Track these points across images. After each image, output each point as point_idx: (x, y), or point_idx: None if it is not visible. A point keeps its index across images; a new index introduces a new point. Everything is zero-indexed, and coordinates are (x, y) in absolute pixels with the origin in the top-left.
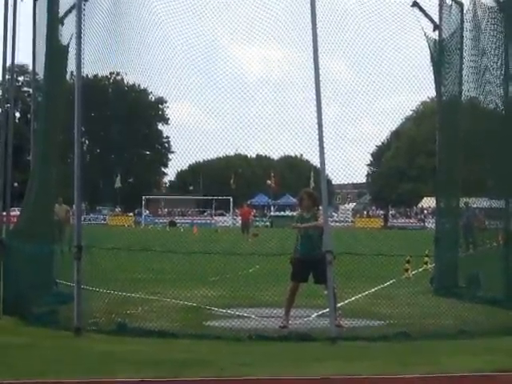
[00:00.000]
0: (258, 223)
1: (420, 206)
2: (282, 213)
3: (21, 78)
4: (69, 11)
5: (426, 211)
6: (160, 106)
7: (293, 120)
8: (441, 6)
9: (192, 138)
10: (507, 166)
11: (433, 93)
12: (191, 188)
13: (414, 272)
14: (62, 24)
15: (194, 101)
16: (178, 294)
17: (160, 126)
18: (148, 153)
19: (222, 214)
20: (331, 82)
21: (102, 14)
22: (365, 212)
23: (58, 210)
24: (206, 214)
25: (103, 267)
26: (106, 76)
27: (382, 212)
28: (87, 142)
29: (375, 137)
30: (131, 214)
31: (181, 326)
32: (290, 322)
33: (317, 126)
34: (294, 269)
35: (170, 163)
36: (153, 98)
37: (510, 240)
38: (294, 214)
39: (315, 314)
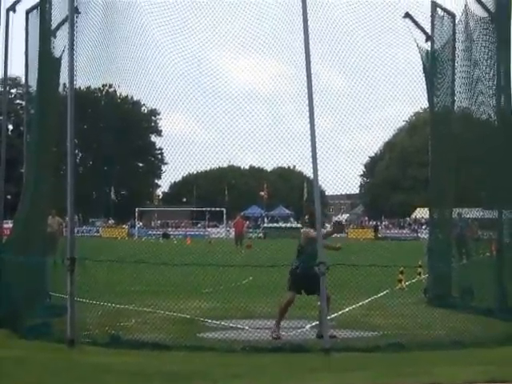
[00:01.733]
0: (251, 235)
1: (413, 216)
2: (276, 224)
3: (14, 91)
4: (61, 23)
5: (419, 222)
6: (153, 117)
7: (286, 131)
8: (433, 16)
9: (185, 150)
10: (500, 177)
11: (425, 103)
12: (184, 200)
13: (407, 283)
14: (55, 36)
15: (187, 113)
16: (171, 306)
17: (153, 138)
18: (141, 165)
19: (215, 226)
20: (324, 94)
21: (95, 27)
22: (356, 223)
23: (51, 222)
24: (199, 225)
25: (96, 279)
26: (99, 88)
27: (374, 223)
28: (80, 154)
29: (368, 148)
30: (124, 226)
31: (174, 338)
32: (283, 333)
33: (310, 138)
34: (295, 281)
35: (163, 175)
36: (145, 110)
37: (503, 250)
38: (287, 225)
39: (309, 325)
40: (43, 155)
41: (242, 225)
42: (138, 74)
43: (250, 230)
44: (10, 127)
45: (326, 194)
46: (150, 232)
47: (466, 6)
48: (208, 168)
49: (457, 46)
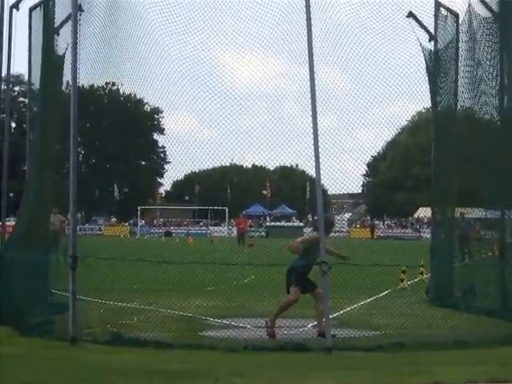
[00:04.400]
0: (253, 233)
1: (416, 216)
2: (278, 223)
3: (16, 88)
4: (65, 21)
5: (421, 221)
6: (156, 116)
7: (288, 130)
8: (436, 16)
9: (188, 148)
10: (502, 177)
11: (428, 103)
12: (187, 198)
13: (409, 282)
14: (58, 34)
15: (190, 111)
16: (173, 304)
17: (156, 136)
18: (144, 163)
19: (217, 224)
20: (327, 93)
21: (98, 25)
22: (358, 222)
23: (53, 220)
24: (201, 224)
25: (98, 277)
26: (102, 86)
27: (377, 222)
28: (83, 152)
29: (371, 147)
30: (127, 224)
31: (176, 336)
32: (284, 332)
33: (312, 137)
34: (298, 279)
35: (165, 173)
36: (148, 109)
37: (506, 250)
38: (290, 224)
39: (310, 324)
40: (46, 153)
41: (244, 223)
42: (141, 73)
43: (252, 229)
44: (13, 125)
45: (329, 193)
46: (152, 230)
47: (469, 5)
48: (210, 167)
49: (460, 46)
